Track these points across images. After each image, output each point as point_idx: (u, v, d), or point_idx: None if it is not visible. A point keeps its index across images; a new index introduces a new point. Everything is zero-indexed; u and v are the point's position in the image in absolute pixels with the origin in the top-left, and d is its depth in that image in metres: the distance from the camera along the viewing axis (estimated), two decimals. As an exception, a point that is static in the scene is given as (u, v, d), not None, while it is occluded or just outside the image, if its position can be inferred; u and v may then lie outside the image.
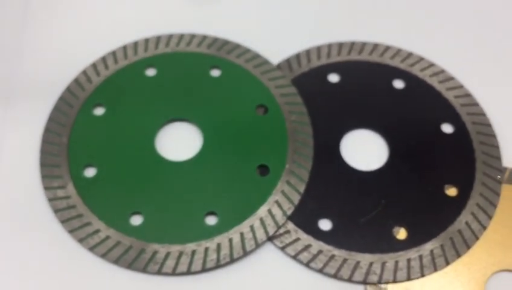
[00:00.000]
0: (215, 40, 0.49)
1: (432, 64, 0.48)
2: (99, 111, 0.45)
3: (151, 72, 0.47)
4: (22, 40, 0.50)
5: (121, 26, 0.51)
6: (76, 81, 0.47)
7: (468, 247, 0.40)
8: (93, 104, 0.45)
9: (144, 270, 0.39)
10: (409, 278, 0.39)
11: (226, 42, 0.49)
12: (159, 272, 0.39)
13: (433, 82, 0.47)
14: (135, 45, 0.49)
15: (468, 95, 0.46)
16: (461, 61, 0.48)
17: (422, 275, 0.39)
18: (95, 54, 0.48)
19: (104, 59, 0.48)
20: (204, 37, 0.49)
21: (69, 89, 0.46)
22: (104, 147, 0.44)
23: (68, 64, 0.47)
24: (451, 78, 0.47)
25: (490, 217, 0.41)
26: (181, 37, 0.49)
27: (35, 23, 0.51)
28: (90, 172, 0.43)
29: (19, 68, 0.48)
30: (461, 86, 0.47)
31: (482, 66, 0.49)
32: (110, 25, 0.51)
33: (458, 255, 0.39)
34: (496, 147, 0.44)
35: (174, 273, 0.39)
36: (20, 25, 0.51)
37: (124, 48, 0.48)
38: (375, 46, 0.49)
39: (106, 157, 0.43)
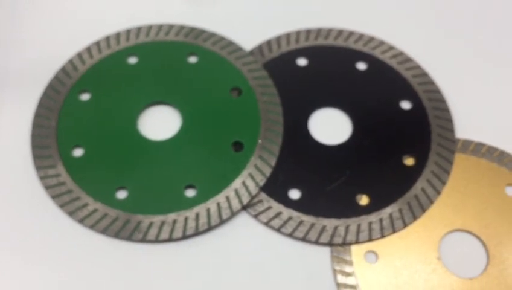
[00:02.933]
0: (192, 29, 0.51)
1: (391, 47, 0.51)
2: (85, 97, 0.48)
3: (132, 60, 0.50)
4: (13, 33, 0.52)
5: (104, 19, 0.53)
6: (63, 69, 0.49)
7: (424, 210, 0.43)
8: (79, 90, 0.48)
9: (129, 238, 0.41)
10: (370, 239, 0.41)
11: (202, 31, 0.51)
12: (143, 240, 0.41)
13: (393, 63, 0.50)
14: (117, 35, 0.51)
15: (424, 74, 0.49)
16: (418, 44, 0.51)
17: (383, 236, 0.41)
18: (80, 44, 0.50)
19: (88, 49, 0.50)
20: (182, 27, 0.51)
21: (57, 77, 0.49)
22: (90, 129, 0.46)
23: (56, 54, 0.50)
24: (409, 60, 0.50)
25: (444, 183, 0.44)
26: (160, 27, 0.51)
27: (25, 17, 0.53)
28: (78, 152, 0.45)
29: (11, 59, 0.51)
30: (418, 66, 0.49)
31: (437, 47, 0.52)
32: (94, 17, 0.53)
33: (415, 217, 0.42)
34: (450, 120, 0.46)
35: (157, 240, 0.41)
36: (11, 18, 0.53)
37: (107, 38, 0.51)
38: (340, 31, 0.51)
39: (92, 139, 0.45)
